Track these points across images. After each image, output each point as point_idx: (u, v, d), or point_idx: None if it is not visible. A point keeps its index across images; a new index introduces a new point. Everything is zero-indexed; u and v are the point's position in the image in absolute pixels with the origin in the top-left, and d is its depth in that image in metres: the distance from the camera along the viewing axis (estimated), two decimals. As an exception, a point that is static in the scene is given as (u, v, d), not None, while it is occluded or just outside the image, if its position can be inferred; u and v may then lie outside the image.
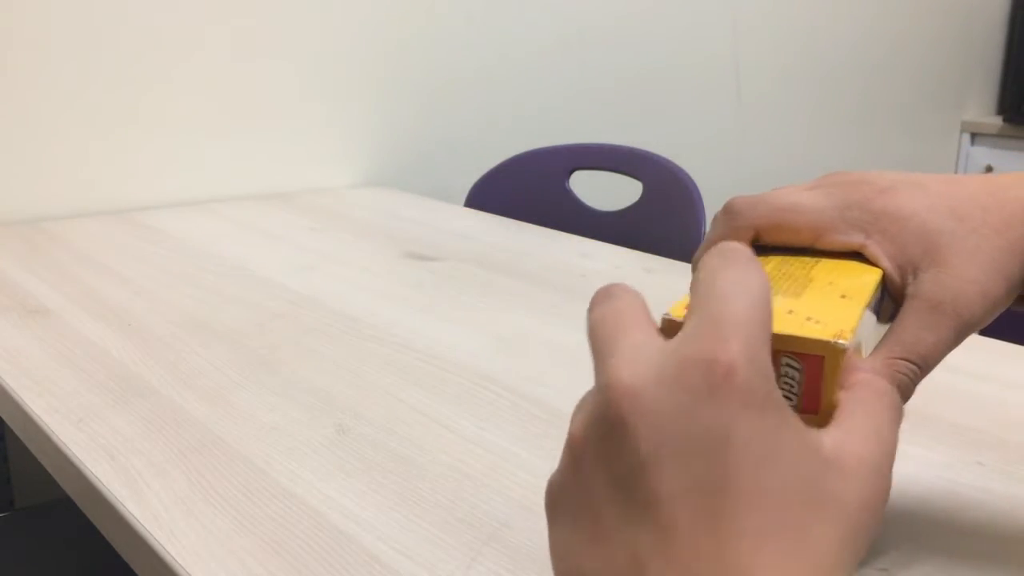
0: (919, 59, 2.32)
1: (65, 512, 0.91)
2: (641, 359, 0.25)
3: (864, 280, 0.36)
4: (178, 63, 1.20)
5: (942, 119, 2.48)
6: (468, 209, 1.28)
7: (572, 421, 0.27)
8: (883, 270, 0.38)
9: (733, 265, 0.27)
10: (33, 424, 0.57)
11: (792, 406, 0.30)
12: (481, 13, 1.50)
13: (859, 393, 0.29)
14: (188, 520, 0.46)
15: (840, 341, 0.30)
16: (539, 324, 0.76)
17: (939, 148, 2.51)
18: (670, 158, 1.23)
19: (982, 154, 2.51)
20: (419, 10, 1.42)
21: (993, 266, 0.36)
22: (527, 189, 1.33)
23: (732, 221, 0.40)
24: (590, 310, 0.29)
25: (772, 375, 0.25)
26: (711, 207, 0.42)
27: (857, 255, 0.39)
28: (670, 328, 0.29)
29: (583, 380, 0.27)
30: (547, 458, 0.53)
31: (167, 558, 0.43)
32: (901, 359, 0.35)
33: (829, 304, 0.33)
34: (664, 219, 1.20)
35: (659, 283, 0.89)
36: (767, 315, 0.26)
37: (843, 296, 0.34)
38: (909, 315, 0.36)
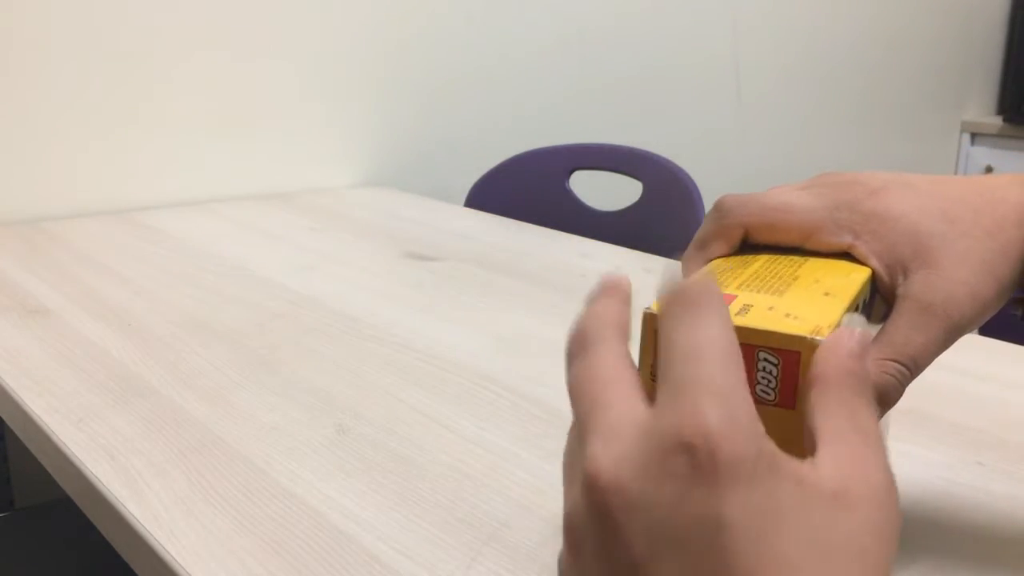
0: (919, 59, 2.32)
1: (65, 512, 0.91)
2: (622, 441, 0.25)
3: (851, 279, 0.36)
4: (178, 63, 1.20)
5: (942, 119, 2.48)
6: (468, 209, 1.28)
7: (565, 496, 0.27)
8: (872, 270, 0.38)
9: (691, 313, 0.26)
10: (33, 424, 0.57)
11: (769, 401, 0.30)
12: (481, 13, 1.50)
13: (831, 399, 0.27)
14: (188, 520, 0.46)
15: (816, 337, 0.29)
16: (539, 324, 0.76)
17: (939, 148, 2.51)
18: (670, 158, 1.23)
19: (982, 154, 2.51)
20: (419, 10, 1.42)
21: (984, 268, 0.36)
22: (527, 189, 1.33)
23: (722, 219, 0.40)
24: (567, 364, 0.29)
25: (757, 426, 0.24)
26: (711, 207, 0.42)
27: (848, 256, 0.39)
28: (652, 323, 0.29)
29: (583, 380, 0.27)
30: (547, 458, 0.53)
31: (167, 558, 0.43)
32: (890, 360, 0.35)
33: (811, 301, 0.33)
34: (664, 219, 1.20)
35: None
36: (735, 360, 0.25)
37: (827, 294, 0.34)
38: (899, 316, 0.36)
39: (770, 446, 0.24)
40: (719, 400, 0.24)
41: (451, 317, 0.77)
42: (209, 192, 1.26)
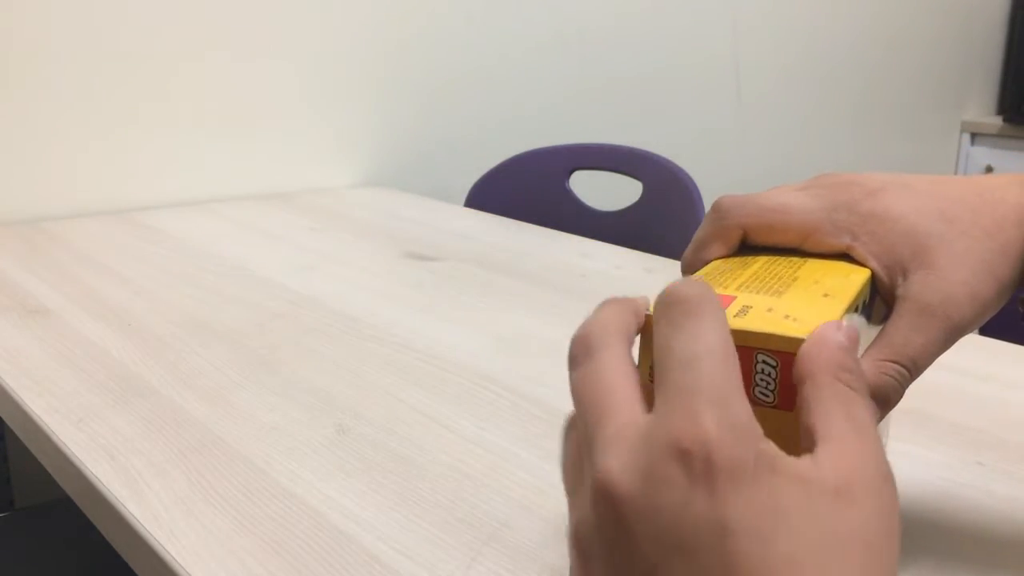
0: (919, 59, 2.32)
1: (65, 512, 0.91)
2: (628, 450, 0.25)
3: (850, 280, 0.36)
4: (178, 63, 1.20)
5: (942, 119, 2.48)
6: (468, 209, 1.28)
7: (570, 506, 0.27)
8: (872, 271, 0.38)
9: (686, 319, 0.26)
10: (33, 424, 0.57)
11: (768, 403, 0.30)
12: (481, 13, 1.50)
13: (825, 394, 0.27)
14: (188, 520, 0.46)
15: None
16: (539, 324, 0.76)
17: (939, 148, 2.51)
18: (670, 158, 1.23)
19: (982, 154, 2.52)
20: (419, 10, 1.42)
21: (983, 268, 0.36)
22: (527, 189, 1.33)
23: (720, 220, 0.40)
24: (571, 368, 0.29)
25: (755, 429, 0.25)
26: (709, 208, 0.42)
27: (847, 257, 0.39)
28: (651, 323, 0.29)
29: (583, 380, 0.27)
30: (547, 458, 0.53)
31: (167, 558, 0.43)
32: (889, 361, 0.35)
33: (810, 303, 0.33)
34: (664, 219, 1.20)
35: (659, 283, 0.89)
36: (731, 365, 0.25)
37: (826, 295, 0.34)
38: (898, 317, 0.36)
39: (769, 447, 0.24)
40: (715, 406, 0.24)
41: (451, 317, 0.77)
42: (209, 192, 1.26)
